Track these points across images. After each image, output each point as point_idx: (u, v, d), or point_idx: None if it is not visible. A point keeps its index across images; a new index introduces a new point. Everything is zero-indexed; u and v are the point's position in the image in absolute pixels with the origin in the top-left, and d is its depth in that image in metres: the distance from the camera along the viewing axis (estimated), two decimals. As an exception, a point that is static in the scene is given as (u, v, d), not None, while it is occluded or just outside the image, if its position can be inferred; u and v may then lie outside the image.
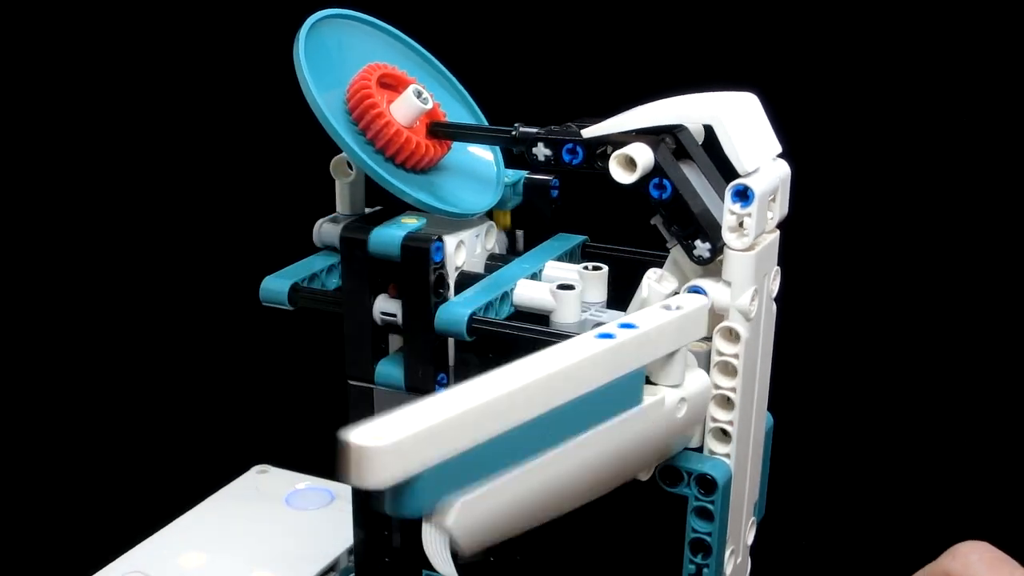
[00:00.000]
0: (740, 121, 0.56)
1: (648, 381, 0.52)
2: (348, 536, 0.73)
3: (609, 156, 0.56)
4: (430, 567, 0.68)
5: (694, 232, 0.56)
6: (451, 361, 0.64)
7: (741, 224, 0.54)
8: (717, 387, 0.56)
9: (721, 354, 0.55)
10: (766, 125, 0.58)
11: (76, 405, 1.12)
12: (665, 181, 0.55)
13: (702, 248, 0.56)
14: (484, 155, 0.70)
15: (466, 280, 0.64)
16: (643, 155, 0.55)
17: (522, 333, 0.59)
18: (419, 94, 0.62)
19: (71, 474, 1.03)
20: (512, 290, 0.62)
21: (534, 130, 0.60)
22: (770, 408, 0.63)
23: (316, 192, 0.70)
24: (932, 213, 1.03)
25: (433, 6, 1.01)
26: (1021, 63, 0.97)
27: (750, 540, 0.63)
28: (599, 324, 0.53)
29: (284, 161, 0.93)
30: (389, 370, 0.64)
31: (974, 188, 1.02)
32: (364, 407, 0.65)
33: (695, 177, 0.57)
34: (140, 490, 0.99)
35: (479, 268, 0.66)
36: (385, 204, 0.68)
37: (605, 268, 0.61)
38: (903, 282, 1.05)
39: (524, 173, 0.70)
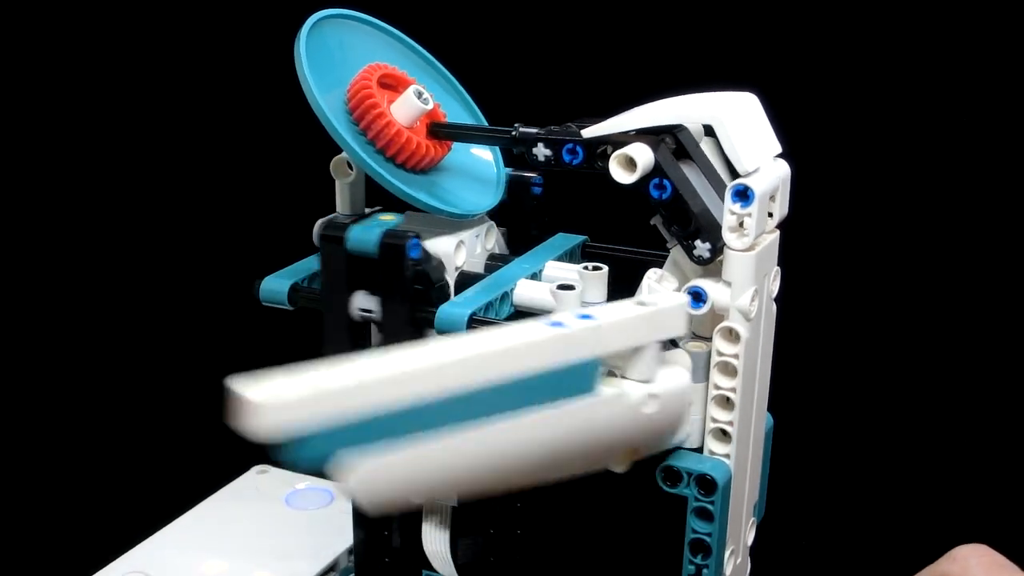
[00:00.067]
0: (740, 121, 0.56)
1: (615, 374, 0.52)
2: (348, 536, 0.73)
3: (609, 156, 0.56)
4: (430, 567, 0.69)
5: (694, 232, 0.56)
6: None
7: (741, 224, 0.54)
8: (717, 387, 0.56)
9: (721, 354, 0.55)
10: (766, 125, 0.58)
11: (76, 405, 1.12)
12: (665, 181, 0.55)
13: (702, 248, 0.56)
14: (484, 155, 0.70)
15: (466, 280, 0.64)
16: (643, 155, 0.55)
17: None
18: (419, 94, 0.62)
19: (71, 474, 1.03)
20: (512, 290, 0.62)
21: (534, 130, 0.60)
22: (770, 408, 0.63)
23: (316, 192, 0.70)
24: (932, 213, 1.03)
25: (433, 6, 1.01)
26: (1021, 63, 0.97)
27: (750, 541, 0.63)
28: None
29: (284, 161, 0.93)
30: None
31: (974, 188, 1.02)
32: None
33: (695, 177, 0.57)
34: (140, 490, 0.99)
35: (479, 268, 0.66)
36: (385, 204, 0.68)
37: (605, 268, 0.61)
38: (903, 282, 1.05)
39: (507, 170, 0.70)
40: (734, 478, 0.57)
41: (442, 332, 0.60)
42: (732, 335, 0.55)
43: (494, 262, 0.67)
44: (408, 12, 0.70)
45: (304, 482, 0.89)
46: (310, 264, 0.68)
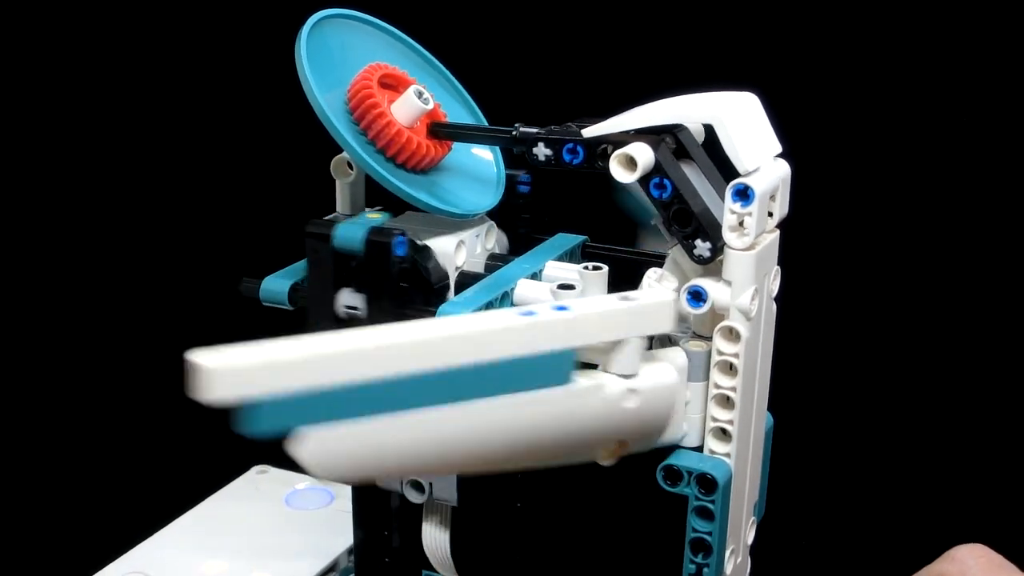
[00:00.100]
0: (740, 121, 0.56)
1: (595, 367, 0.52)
2: (348, 536, 0.73)
3: (609, 156, 0.56)
4: (430, 567, 0.69)
5: (694, 231, 0.56)
6: None
7: (741, 223, 0.54)
8: (717, 386, 0.56)
9: (721, 353, 0.55)
10: (766, 125, 0.58)
11: (76, 405, 1.12)
12: (665, 180, 0.55)
13: (702, 248, 0.56)
14: (484, 155, 0.70)
15: (466, 280, 0.64)
16: (643, 154, 0.55)
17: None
18: (420, 94, 0.63)
19: (71, 474, 1.03)
20: (512, 290, 0.62)
21: (534, 130, 0.60)
22: (770, 408, 0.63)
23: (316, 192, 0.70)
24: (932, 212, 1.03)
25: (433, 6, 1.01)
26: (1021, 63, 0.97)
27: (750, 540, 0.63)
28: None
29: (284, 161, 0.93)
30: None
31: (974, 188, 1.02)
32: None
33: (695, 177, 0.57)
34: (140, 490, 0.99)
35: (479, 268, 0.66)
36: (385, 204, 0.68)
37: (605, 268, 0.61)
38: (903, 281, 1.05)
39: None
40: (734, 477, 0.57)
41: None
42: (732, 334, 0.55)
43: (494, 262, 0.67)
44: (408, 12, 0.70)
45: (304, 482, 0.89)
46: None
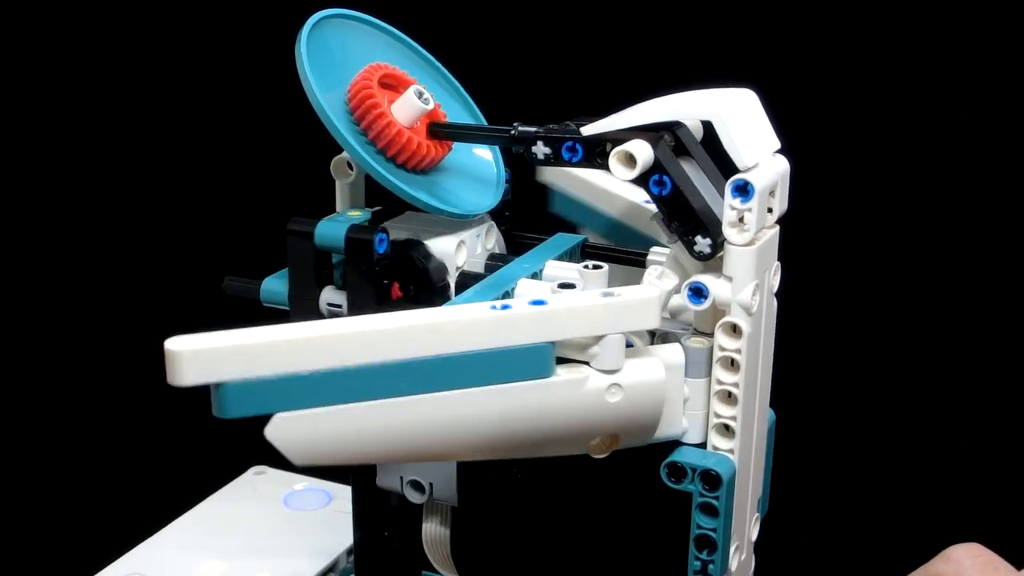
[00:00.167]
0: (739, 117, 0.56)
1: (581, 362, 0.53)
2: (347, 536, 0.73)
3: (609, 153, 0.56)
4: (430, 567, 0.69)
5: (694, 228, 0.56)
6: None
7: (741, 219, 0.54)
8: (720, 382, 0.56)
9: (723, 349, 0.55)
10: (765, 121, 0.59)
11: (75, 405, 1.12)
12: (665, 177, 0.55)
13: (703, 244, 0.56)
14: (484, 155, 0.70)
15: (467, 280, 0.64)
16: (643, 151, 0.55)
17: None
18: (420, 95, 0.63)
19: (70, 475, 1.03)
20: (513, 290, 0.62)
21: (533, 129, 0.60)
22: (771, 404, 0.63)
23: (316, 192, 0.70)
24: (931, 208, 1.03)
25: (433, 6, 1.01)
26: (1021, 62, 0.98)
27: (754, 536, 0.63)
28: None
29: (284, 161, 0.93)
30: None
31: (973, 183, 1.02)
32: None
33: (694, 174, 0.58)
34: (137, 492, 0.99)
35: (479, 268, 0.67)
36: (385, 204, 0.68)
37: (606, 267, 0.61)
38: (903, 276, 1.05)
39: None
40: (738, 473, 0.57)
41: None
42: (734, 330, 0.55)
43: (494, 262, 0.67)
44: (408, 12, 0.70)
45: (302, 483, 0.89)
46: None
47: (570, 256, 0.68)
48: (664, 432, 0.56)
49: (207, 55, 1.12)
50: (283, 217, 0.64)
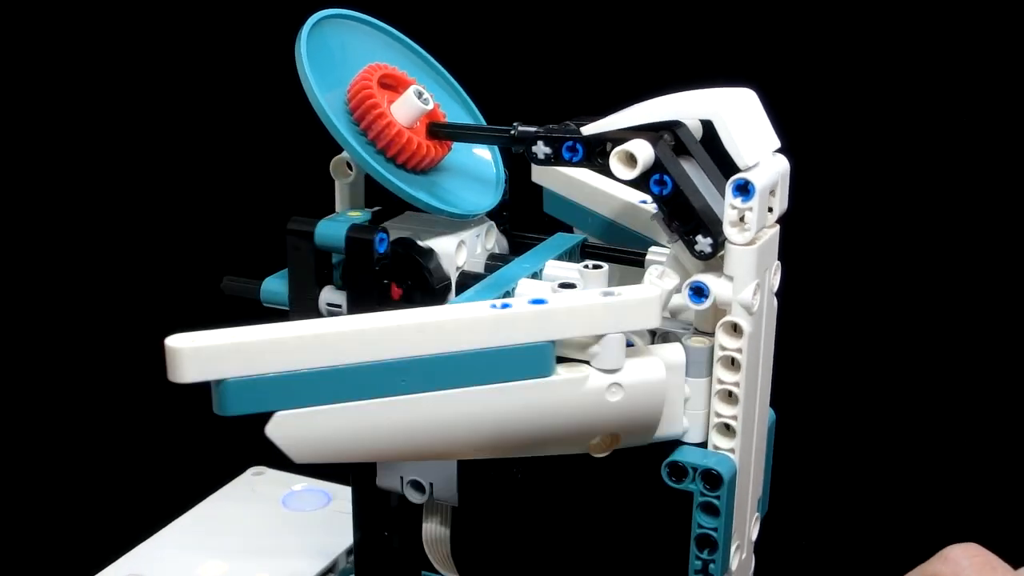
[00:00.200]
0: (739, 116, 0.56)
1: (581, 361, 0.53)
2: (346, 537, 0.73)
3: (609, 153, 0.56)
4: (430, 567, 0.69)
5: (695, 228, 0.56)
6: None
7: (742, 219, 0.54)
8: (720, 382, 0.56)
9: (724, 348, 0.56)
10: (765, 120, 0.59)
11: (74, 406, 1.12)
12: (666, 177, 0.55)
13: (704, 243, 0.56)
14: (484, 155, 0.70)
15: (467, 280, 0.64)
16: (643, 151, 0.55)
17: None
18: (420, 95, 0.63)
19: (69, 475, 1.03)
20: (514, 290, 0.62)
21: (533, 129, 0.60)
22: (771, 404, 0.63)
23: (316, 192, 0.70)
24: (930, 207, 1.03)
25: (433, 6, 1.01)
26: (1021, 61, 0.98)
27: (754, 535, 0.63)
28: None
29: (284, 161, 0.93)
30: None
31: (973, 183, 1.02)
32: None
33: (695, 173, 0.58)
34: (136, 493, 0.99)
35: (479, 268, 0.67)
36: (385, 204, 0.68)
37: (606, 267, 0.61)
38: (902, 275, 1.05)
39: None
40: (739, 473, 0.57)
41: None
42: (735, 329, 0.55)
43: (494, 262, 0.67)
44: (408, 12, 0.70)
45: (301, 483, 0.89)
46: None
47: (570, 256, 0.68)
48: (665, 431, 0.56)
49: (207, 55, 1.12)
50: (283, 217, 0.64)
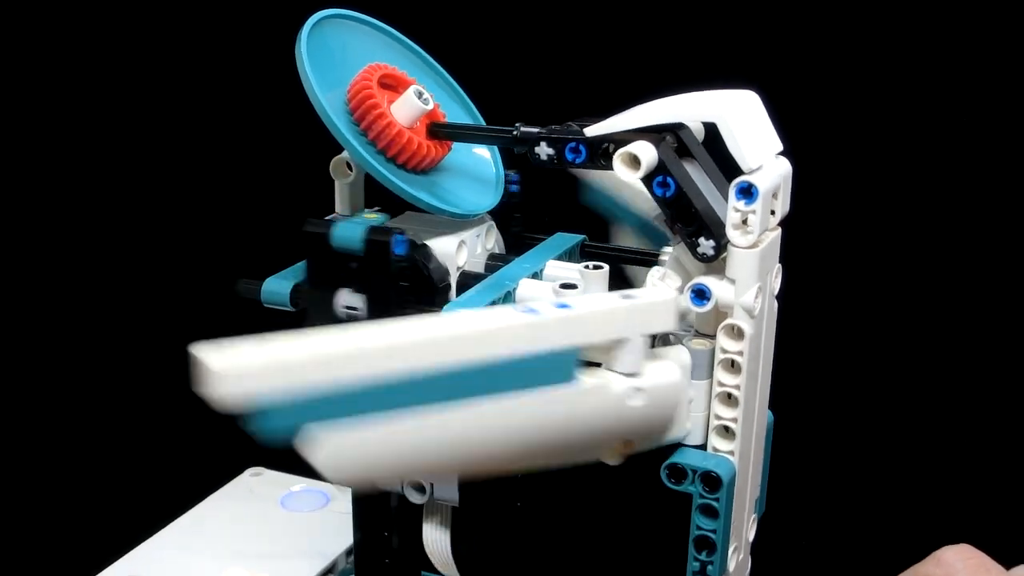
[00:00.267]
0: (742, 119, 0.56)
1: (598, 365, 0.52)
2: (345, 537, 0.73)
3: (612, 154, 0.56)
4: (430, 567, 0.69)
5: (698, 230, 0.56)
6: None
7: (745, 221, 0.54)
8: (721, 384, 0.56)
9: (725, 351, 0.56)
10: (767, 123, 0.59)
11: (74, 406, 1.12)
12: (669, 179, 0.56)
13: (706, 246, 0.56)
14: (483, 155, 0.70)
15: (467, 280, 0.64)
16: (647, 152, 0.55)
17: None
18: (420, 95, 0.63)
19: (69, 476, 1.03)
20: (514, 290, 0.62)
21: (536, 130, 0.60)
22: (770, 406, 0.63)
23: (316, 192, 0.70)
24: (932, 210, 1.03)
25: (433, 6, 1.01)
26: (1021, 62, 0.98)
27: (751, 537, 0.63)
28: None
29: (284, 161, 0.93)
30: None
31: (974, 185, 1.02)
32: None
33: (697, 175, 0.58)
34: (135, 493, 0.99)
35: (480, 268, 0.67)
36: (385, 204, 0.68)
37: (606, 267, 0.61)
38: (903, 279, 1.05)
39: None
40: (738, 475, 0.57)
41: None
42: (736, 332, 0.55)
43: (494, 262, 0.67)
44: (408, 12, 0.70)
45: (299, 484, 0.89)
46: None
47: (570, 256, 0.68)
48: (672, 435, 0.56)
49: (208, 55, 1.12)
50: (283, 217, 0.64)
